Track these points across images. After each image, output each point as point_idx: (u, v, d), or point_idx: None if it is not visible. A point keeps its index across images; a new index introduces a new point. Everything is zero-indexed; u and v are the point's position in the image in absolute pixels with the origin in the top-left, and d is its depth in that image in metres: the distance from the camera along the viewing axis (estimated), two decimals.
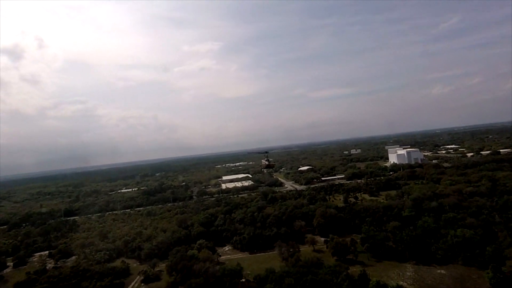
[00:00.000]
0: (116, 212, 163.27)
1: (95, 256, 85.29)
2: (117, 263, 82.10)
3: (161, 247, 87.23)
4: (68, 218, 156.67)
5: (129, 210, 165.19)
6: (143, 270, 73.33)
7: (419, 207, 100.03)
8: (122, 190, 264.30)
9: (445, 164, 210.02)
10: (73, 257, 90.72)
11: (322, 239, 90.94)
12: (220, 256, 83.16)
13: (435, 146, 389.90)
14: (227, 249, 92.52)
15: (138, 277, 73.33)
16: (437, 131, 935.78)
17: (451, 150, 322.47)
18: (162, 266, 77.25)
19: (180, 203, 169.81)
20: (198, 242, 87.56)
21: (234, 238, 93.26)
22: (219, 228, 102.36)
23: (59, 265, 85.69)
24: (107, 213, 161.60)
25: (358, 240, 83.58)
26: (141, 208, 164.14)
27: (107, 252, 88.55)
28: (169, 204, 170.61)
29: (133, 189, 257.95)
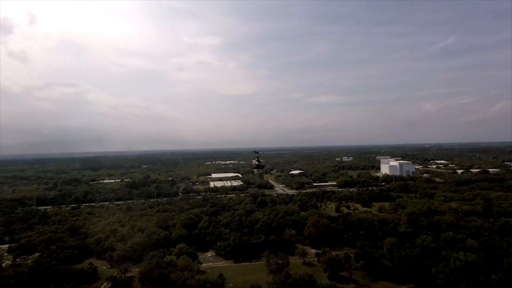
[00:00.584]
0: (93, 204, 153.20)
1: (60, 255, 76.28)
2: (85, 264, 73.43)
3: (136, 249, 78.92)
4: (40, 208, 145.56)
5: (108, 203, 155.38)
6: (112, 275, 65.01)
7: (415, 223, 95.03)
8: (104, 181, 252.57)
9: (437, 179, 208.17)
10: (36, 254, 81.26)
11: (313, 250, 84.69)
12: (201, 263, 75.62)
13: (425, 160, 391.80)
14: (209, 255, 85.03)
15: (106, 283, 65.04)
16: (426, 146, 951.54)
17: (441, 166, 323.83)
18: (135, 271, 69.12)
19: (164, 199, 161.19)
20: (178, 246, 79.51)
21: (218, 243, 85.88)
22: (203, 231, 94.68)
23: (18, 263, 76.42)
24: (84, 205, 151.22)
25: (352, 255, 78.01)
26: (121, 202, 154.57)
27: (75, 251, 79.72)
28: (152, 200, 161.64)
29: (116, 181, 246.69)
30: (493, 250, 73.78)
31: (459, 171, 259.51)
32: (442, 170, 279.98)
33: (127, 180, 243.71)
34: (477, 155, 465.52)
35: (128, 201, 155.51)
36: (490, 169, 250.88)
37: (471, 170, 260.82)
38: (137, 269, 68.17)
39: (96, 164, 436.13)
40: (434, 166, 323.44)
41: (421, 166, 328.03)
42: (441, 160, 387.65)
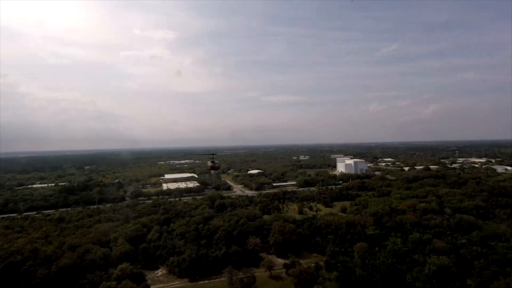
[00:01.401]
0: (15, 215, 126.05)
1: None
2: None
3: (63, 273, 62.24)
4: None
5: (34, 213, 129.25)
6: None
7: (380, 224, 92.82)
8: (34, 185, 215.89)
9: (389, 177, 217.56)
10: None
11: (280, 260, 76.59)
12: (149, 286, 62.11)
13: (375, 158, 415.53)
14: (160, 273, 71.55)
15: None
16: (371, 145, 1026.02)
17: (389, 163, 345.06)
18: None
19: (107, 206, 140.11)
20: (120, 266, 64.77)
21: (171, 258, 72.90)
22: (152, 244, 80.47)
23: None
24: (1, 216, 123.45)
25: (321, 263, 71.72)
26: (53, 211, 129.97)
27: None
28: (93, 207, 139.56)
29: (50, 185, 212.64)
30: (458, 250, 73.42)
31: (406, 168, 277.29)
32: (391, 168, 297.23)
33: (63, 184, 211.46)
34: (417, 153, 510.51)
35: (62, 210, 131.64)
36: (431, 166, 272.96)
37: (415, 167, 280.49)
38: None
39: (27, 166, 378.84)
40: (383, 164, 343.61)
41: (372, 164, 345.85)
42: (388, 158, 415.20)
